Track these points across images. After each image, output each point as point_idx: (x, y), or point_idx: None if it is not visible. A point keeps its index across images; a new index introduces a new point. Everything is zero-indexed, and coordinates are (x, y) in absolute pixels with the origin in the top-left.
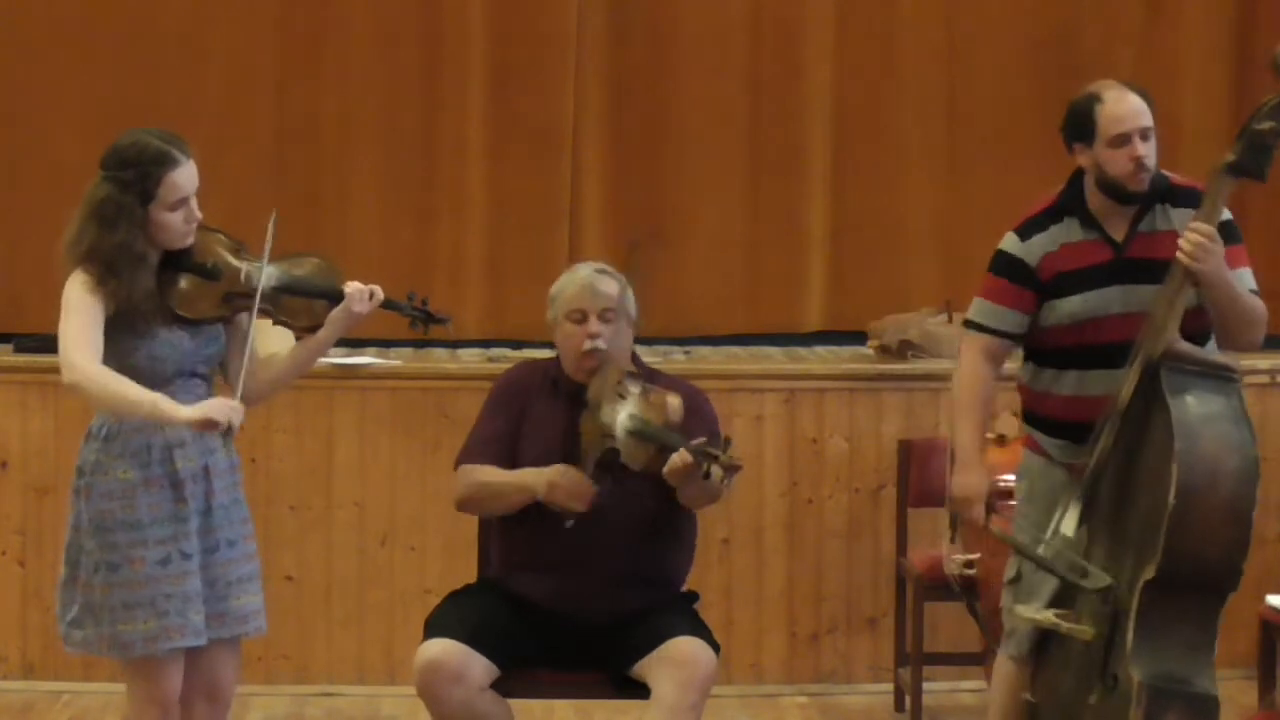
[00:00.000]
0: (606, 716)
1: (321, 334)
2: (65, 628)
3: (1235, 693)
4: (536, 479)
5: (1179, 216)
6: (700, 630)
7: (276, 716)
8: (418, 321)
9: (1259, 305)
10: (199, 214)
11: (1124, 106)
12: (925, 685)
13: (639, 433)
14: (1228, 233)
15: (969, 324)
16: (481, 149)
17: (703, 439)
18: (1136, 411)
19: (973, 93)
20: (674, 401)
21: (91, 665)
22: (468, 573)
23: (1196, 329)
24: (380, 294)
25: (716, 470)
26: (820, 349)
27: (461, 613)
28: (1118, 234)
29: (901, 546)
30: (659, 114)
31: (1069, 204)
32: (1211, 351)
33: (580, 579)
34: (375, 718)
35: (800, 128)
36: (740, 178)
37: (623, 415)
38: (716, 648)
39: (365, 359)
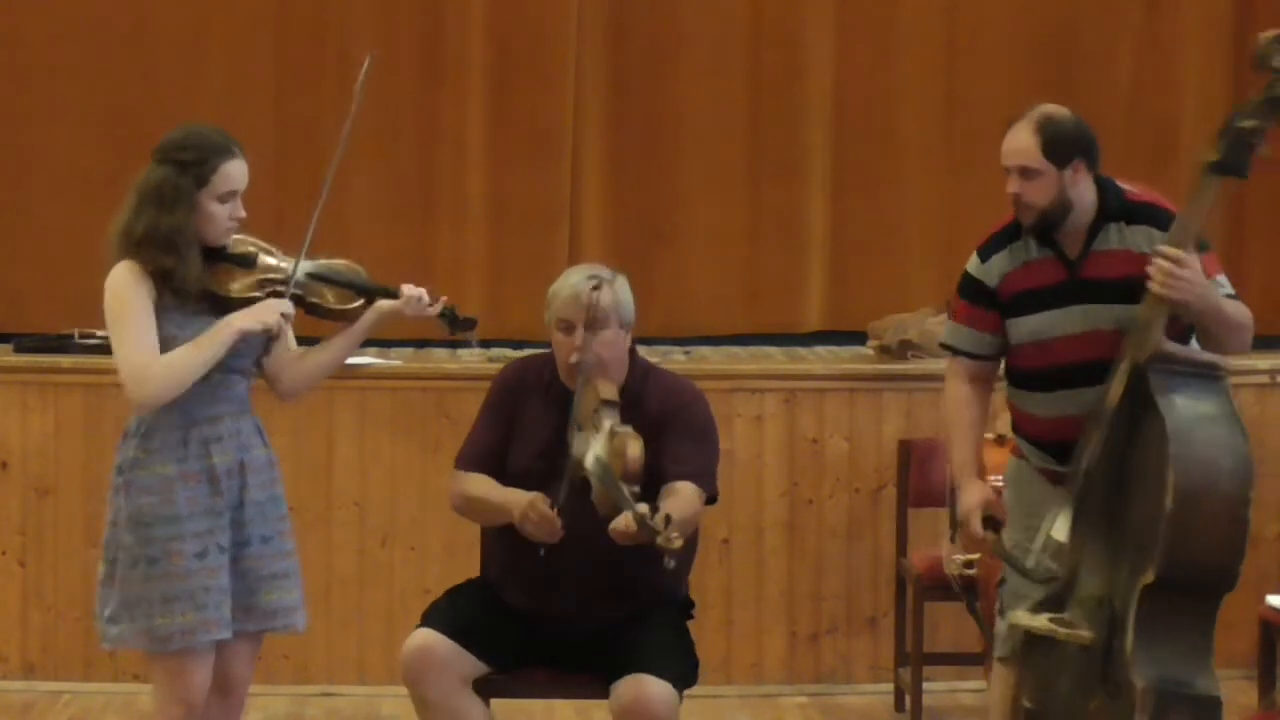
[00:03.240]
0: (606, 717)
1: (359, 326)
2: (103, 624)
3: (1235, 693)
4: (514, 503)
5: (1133, 234)
6: (673, 655)
7: (276, 716)
8: (452, 325)
9: (1243, 311)
10: (243, 213)
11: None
12: (925, 685)
13: (600, 479)
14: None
15: (944, 346)
16: (481, 149)
17: (645, 509)
18: (1125, 415)
19: (973, 93)
20: (633, 452)
21: (92, 665)
22: (467, 573)
23: (1179, 329)
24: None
25: (661, 543)
26: (820, 349)
27: (455, 609)
28: (1072, 251)
29: (901, 546)
30: (659, 114)
31: None
32: (1196, 350)
33: (556, 594)
34: (375, 718)
35: (800, 127)
36: (740, 178)
37: (590, 456)
38: (692, 669)
39: (365, 359)
